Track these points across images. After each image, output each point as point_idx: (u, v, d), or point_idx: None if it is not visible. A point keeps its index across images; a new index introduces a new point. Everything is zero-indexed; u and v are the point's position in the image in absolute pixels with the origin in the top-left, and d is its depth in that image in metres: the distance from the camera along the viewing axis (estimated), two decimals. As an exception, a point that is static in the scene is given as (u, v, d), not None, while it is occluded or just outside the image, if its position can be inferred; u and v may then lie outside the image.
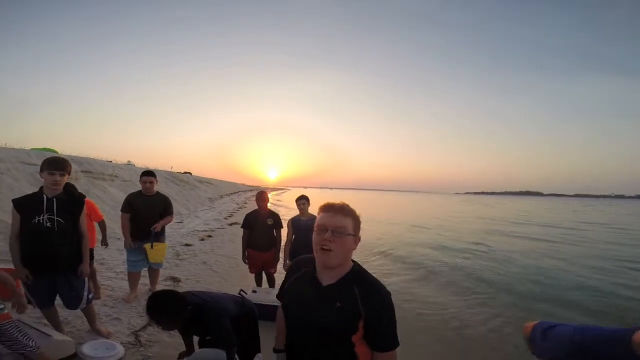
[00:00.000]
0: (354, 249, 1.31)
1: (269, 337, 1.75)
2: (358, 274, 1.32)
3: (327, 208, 1.31)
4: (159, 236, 4.19)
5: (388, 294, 1.30)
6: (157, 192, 4.27)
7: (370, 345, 1.28)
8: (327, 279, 1.31)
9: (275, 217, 4.53)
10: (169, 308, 2.04)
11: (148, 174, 4.15)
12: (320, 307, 1.27)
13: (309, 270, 1.36)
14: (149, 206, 4.10)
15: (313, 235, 1.32)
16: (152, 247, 4.03)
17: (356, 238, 1.32)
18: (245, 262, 4.60)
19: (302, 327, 1.32)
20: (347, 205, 1.33)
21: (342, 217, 1.29)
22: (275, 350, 1.57)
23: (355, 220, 1.32)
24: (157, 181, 4.19)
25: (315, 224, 1.31)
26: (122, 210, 4.10)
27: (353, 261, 1.36)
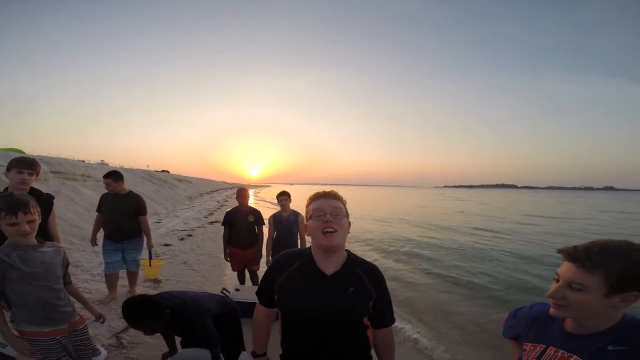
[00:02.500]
0: (349, 232, 1.36)
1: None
2: (356, 258, 1.39)
3: (320, 195, 1.38)
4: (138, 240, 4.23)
5: (382, 273, 1.40)
6: (130, 192, 4.21)
7: (375, 323, 1.37)
8: (329, 267, 1.33)
9: (257, 213, 4.52)
10: (146, 314, 2.01)
11: (106, 176, 4.06)
12: (334, 295, 1.28)
13: (306, 261, 1.35)
14: (119, 206, 4.04)
15: (310, 223, 1.34)
16: (150, 264, 4.27)
17: (349, 222, 1.38)
18: (227, 260, 4.58)
19: (313, 321, 1.28)
20: (337, 192, 1.41)
21: (336, 201, 1.37)
22: (256, 355, 1.45)
23: (345, 205, 1.40)
24: (121, 181, 4.07)
25: (312, 210, 1.35)
26: (97, 210, 4.16)
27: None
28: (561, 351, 1.00)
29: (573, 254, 0.97)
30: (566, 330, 1.03)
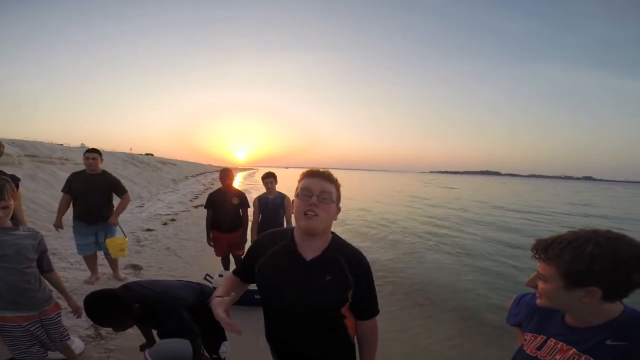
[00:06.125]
0: (335, 219, 1.27)
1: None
2: (340, 243, 1.29)
3: (313, 173, 1.25)
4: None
5: (368, 261, 1.30)
6: (103, 171, 3.99)
7: (356, 314, 1.30)
8: (310, 252, 1.25)
9: (241, 195, 4.36)
10: (110, 311, 1.85)
11: (92, 150, 3.89)
12: (310, 283, 1.21)
13: (287, 243, 1.27)
14: (92, 186, 3.83)
15: (295, 202, 1.25)
16: (105, 238, 3.91)
17: (338, 208, 1.28)
18: (210, 245, 4.43)
19: (289, 306, 1.23)
20: (332, 174, 1.28)
21: (328, 183, 1.24)
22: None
23: (338, 189, 1.29)
24: (101, 160, 3.94)
25: (300, 188, 1.24)
26: (62, 190, 3.90)
27: (331, 232, 1.32)
28: (560, 343, 0.99)
29: (532, 246, 0.99)
30: (567, 323, 1.01)
